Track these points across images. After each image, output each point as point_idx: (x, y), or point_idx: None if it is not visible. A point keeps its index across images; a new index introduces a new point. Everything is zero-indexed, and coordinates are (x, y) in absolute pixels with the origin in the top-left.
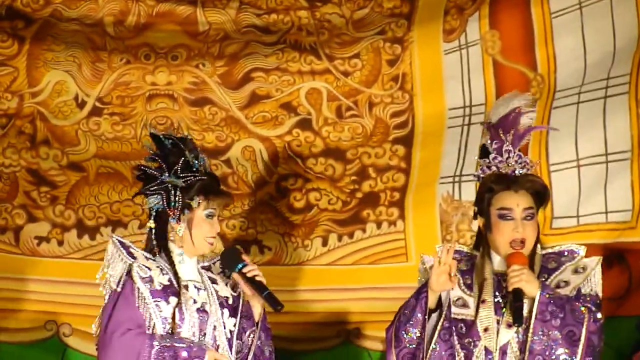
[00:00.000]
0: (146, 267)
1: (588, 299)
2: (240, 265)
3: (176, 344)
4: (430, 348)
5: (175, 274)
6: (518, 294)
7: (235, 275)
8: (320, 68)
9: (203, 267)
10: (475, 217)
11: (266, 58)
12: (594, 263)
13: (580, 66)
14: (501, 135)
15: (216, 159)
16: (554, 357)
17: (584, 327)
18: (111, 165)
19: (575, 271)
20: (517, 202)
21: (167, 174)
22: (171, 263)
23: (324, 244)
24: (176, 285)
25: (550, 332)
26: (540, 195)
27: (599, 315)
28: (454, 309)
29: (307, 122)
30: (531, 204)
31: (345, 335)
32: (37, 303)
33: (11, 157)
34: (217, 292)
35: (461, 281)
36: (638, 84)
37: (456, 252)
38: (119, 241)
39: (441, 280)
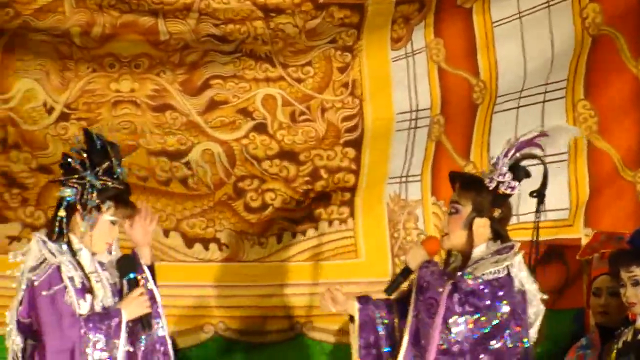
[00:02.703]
0: (69, 264)
1: (464, 277)
2: (131, 276)
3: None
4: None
5: (83, 269)
6: (405, 269)
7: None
8: (274, 75)
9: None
10: None
11: (224, 66)
12: (512, 256)
13: (520, 72)
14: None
15: (177, 162)
16: (425, 320)
17: (443, 296)
18: None
19: (495, 262)
20: (451, 198)
21: (88, 172)
22: (73, 254)
23: (279, 241)
24: (88, 284)
25: (422, 298)
26: (468, 185)
27: (458, 294)
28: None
29: (262, 126)
30: (456, 198)
31: (299, 329)
32: (4, 298)
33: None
34: (107, 279)
35: None
36: (574, 89)
37: None
38: (43, 240)
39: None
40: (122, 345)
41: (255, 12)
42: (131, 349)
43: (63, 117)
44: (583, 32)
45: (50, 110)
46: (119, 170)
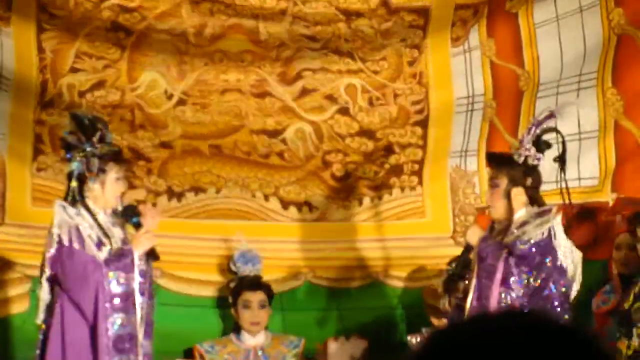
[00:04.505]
0: (86, 224)
1: (516, 243)
2: (134, 220)
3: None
4: None
5: (101, 227)
6: (466, 246)
7: (131, 225)
8: (355, 68)
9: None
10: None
11: (313, 60)
12: (553, 218)
13: (558, 65)
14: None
15: (275, 139)
16: (487, 283)
17: (500, 262)
18: (193, 143)
19: (539, 225)
20: (489, 176)
21: (87, 144)
22: (92, 216)
23: (360, 204)
24: (105, 238)
25: (482, 266)
26: (501, 162)
27: (513, 259)
28: None
29: (345, 110)
30: (493, 174)
31: (376, 276)
32: None
33: (115, 139)
34: (119, 234)
35: None
36: (604, 78)
37: None
38: (63, 206)
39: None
40: (137, 277)
41: (339, 16)
42: (142, 280)
43: (180, 102)
44: (609, 32)
45: (170, 97)
46: (108, 135)
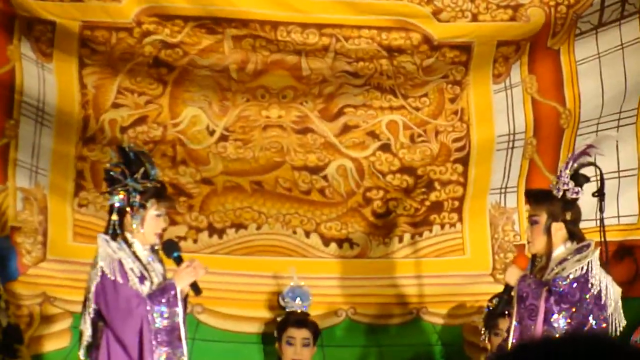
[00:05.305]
0: (128, 258)
1: (556, 281)
2: (175, 254)
3: (155, 297)
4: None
5: (141, 262)
6: (506, 287)
7: (172, 260)
8: (397, 104)
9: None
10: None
11: (355, 97)
12: (592, 253)
13: (599, 102)
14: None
15: (316, 175)
16: (528, 324)
17: (541, 301)
18: (234, 180)
19: (577, 260)
20: (528, 212)
21: (130, 179)
22: (130, 249)
23: (400, 241)
24: (146, 272)
25: (523, 306)
26: (540, 198)
27: (553, 297)
28: None
29: (387, 146)
30: (532, 211)
31: (416, 313)
32: None
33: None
34: (159, 269)
35: None
36: None
37: None
38: (106, 240)
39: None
40: (180, 311)
41: (381, 52)
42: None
43: (222, 138)
44: None
45: (212, 133)
46: (152, 172)
